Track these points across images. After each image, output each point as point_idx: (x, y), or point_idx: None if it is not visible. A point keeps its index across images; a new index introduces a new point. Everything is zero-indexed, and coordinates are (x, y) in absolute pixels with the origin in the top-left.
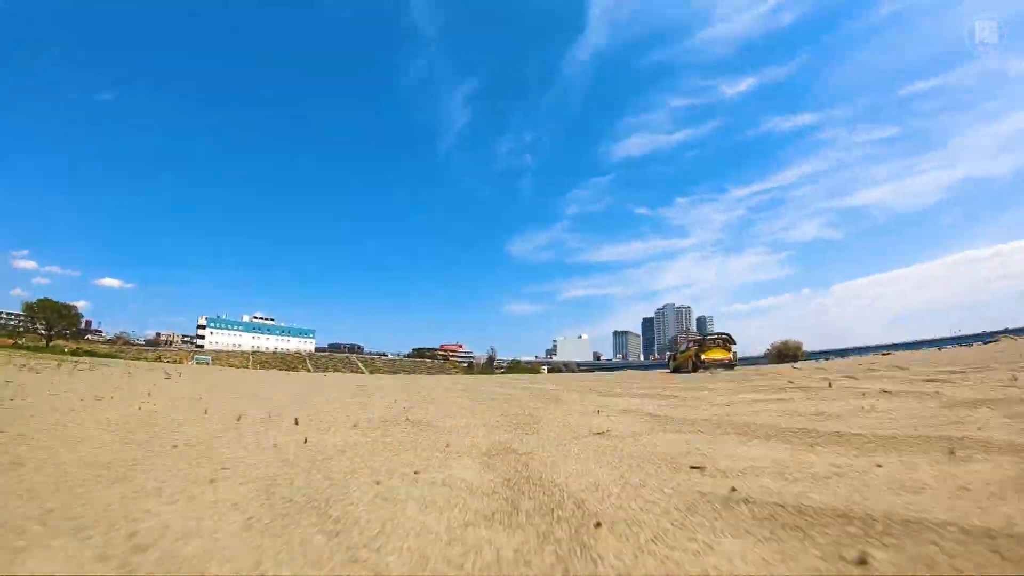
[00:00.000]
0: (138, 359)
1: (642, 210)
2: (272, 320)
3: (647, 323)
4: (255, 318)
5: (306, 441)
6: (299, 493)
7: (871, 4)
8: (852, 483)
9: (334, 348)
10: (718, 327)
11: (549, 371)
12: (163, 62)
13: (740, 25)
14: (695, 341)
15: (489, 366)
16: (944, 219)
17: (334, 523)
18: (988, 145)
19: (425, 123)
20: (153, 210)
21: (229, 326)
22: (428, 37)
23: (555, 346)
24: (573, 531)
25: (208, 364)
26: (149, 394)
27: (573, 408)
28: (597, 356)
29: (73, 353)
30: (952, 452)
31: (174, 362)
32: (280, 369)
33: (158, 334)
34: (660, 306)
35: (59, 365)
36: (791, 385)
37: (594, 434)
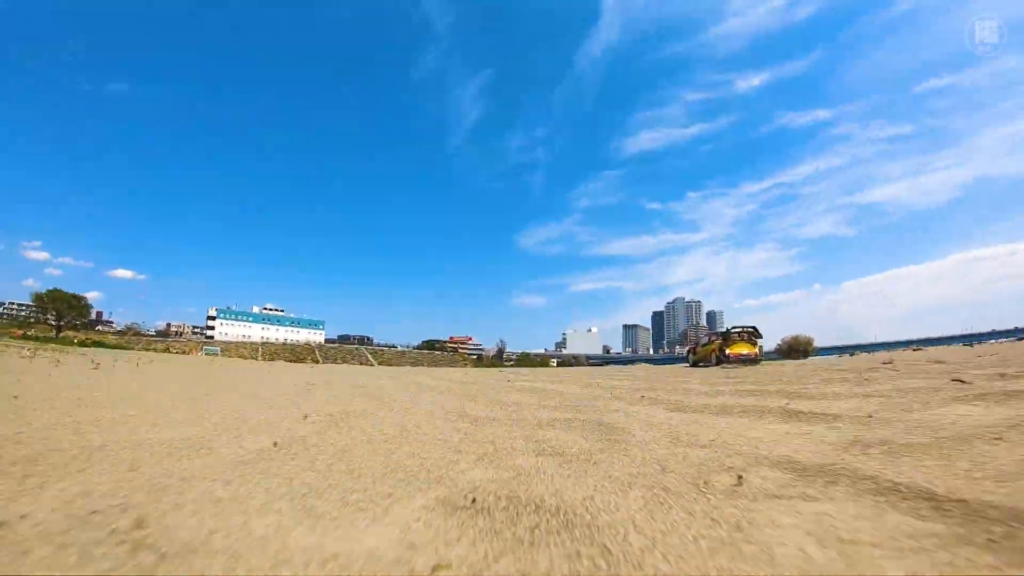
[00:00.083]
0: (146, 350)
1: (654, 204)
2: (282, 311)
3: (657, 317)
4: (265, 309)
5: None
6: None
7: (887, 2)
8: None
9: (344, 340)
10: (728, 322)
11: (559, 364)
12: (177, 56)
13: (754, 20)
14: (718, 334)
15: (498, 358)
16: (957, 217)
17: None
18: (1003, 144)
19: (437, 118)
20: (166, 202)
21: (239, 317)
22: (440, 33)
23: (564, 339)
24: None
25: (217, 355)
26: None
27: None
28: (607, 349)
29: (81, 344)
30: None
31: (183, 353)
32: (288, 360)
33: (168, 325)
34: (670, 300)
35: None
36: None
37: None
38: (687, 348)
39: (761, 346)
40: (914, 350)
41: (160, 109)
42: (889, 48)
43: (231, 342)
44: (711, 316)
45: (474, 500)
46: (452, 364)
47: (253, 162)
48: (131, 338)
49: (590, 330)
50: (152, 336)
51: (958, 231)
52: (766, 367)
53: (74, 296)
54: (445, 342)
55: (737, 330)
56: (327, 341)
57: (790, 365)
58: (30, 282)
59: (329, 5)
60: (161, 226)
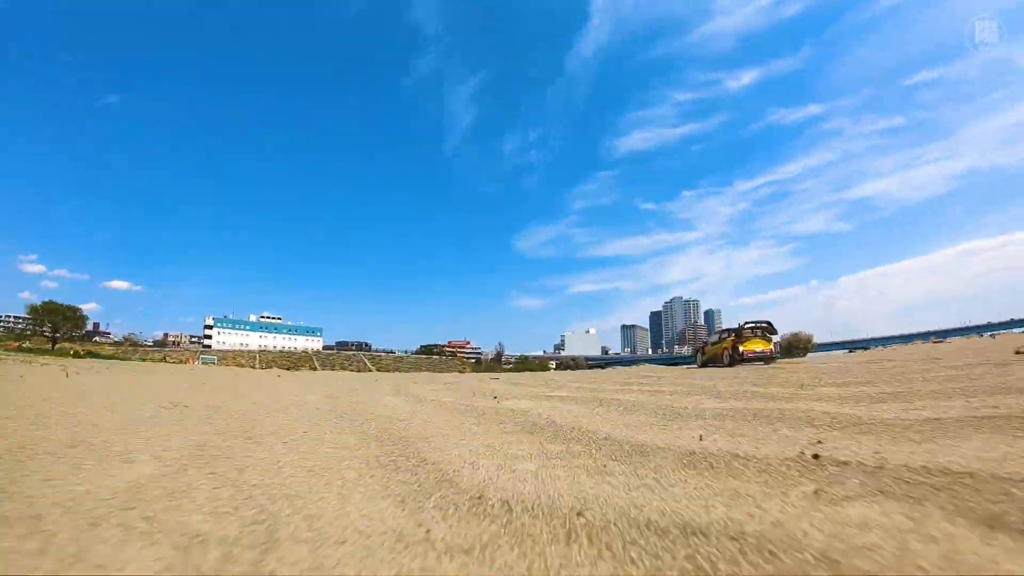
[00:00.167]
0: (143, 360)
1: (648, 204)
2: (279, 319)
3: (655, 317)
4: (262, 317)
5: None
6: None
7: None
8: None
9: (342, 346)
10: (727, 321)
11: (557, 366)
12: (168, 64)
13: (742, 19)
14: (729, 331)
15: (497, 362)
16: (950, 209)
17: None
18: (994, 135)
19: (431, 121)
20: (161, 212)
21: (236, 326)
22: (432, 35)
23: (563, 341)
24: None
25: (214, 364)
26: None
27: None
28: (605, 350)
29: (76, 355)
30: None
31: (180, 362)
32: (284, 368)
33: (166, 335)
34: (668, 300)
35: None
36: None
37: None
38: (694, 348)
39: (777, 342)
40: (935, 342)
41: (155, 114)
42: (877, 42)
43: (228, 351)
44: (708, 315)
45: None
46: (450, 369)
47: (248, 171)
48: (127, 349)
49: (588, 331)
50: (149, 346)
51: (949, 225)
52: (818, 366)
53: (69, 307)
54: (444, 346)
55: (750, 325)
56: (325, 348)
57: (831, 364)
58: (26, 295)
59: (327, 6)
60: (156, 238)
